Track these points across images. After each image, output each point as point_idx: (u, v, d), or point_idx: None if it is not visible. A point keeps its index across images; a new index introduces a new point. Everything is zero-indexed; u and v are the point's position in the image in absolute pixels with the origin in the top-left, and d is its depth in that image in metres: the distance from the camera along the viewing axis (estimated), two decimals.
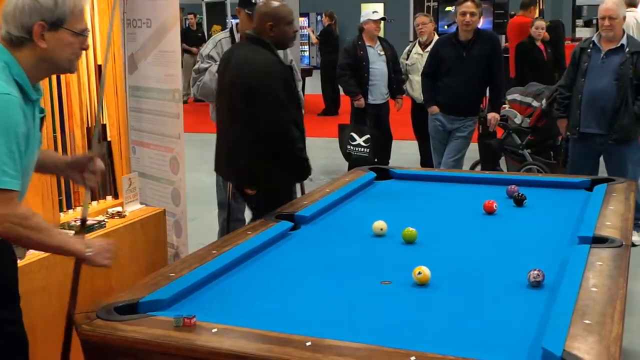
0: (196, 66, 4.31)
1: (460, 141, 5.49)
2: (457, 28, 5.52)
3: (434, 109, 5.54)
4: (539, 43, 7.55)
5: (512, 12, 10.58)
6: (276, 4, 3.48)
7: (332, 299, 2.20)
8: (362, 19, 6.83)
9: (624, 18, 4.81)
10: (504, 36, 9.84)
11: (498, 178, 3.76)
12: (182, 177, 3.76)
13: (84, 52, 2.17)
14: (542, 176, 4.19)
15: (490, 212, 3.10)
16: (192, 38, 13.04)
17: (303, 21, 18.68)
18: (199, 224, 5.30)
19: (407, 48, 7.23)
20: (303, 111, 3.95)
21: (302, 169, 3.41)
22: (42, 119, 2.21)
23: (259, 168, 3.35)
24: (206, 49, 4.33)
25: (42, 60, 2.05)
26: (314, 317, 2.05)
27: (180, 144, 3.74)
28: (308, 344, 1.77)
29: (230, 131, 3.48)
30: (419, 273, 2.24)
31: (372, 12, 6.83)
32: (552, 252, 2.56)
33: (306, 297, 2.22)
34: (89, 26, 2.20)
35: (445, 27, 9.81)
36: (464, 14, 5.32)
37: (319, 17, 22.41)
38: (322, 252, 2.66)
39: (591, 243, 2.53)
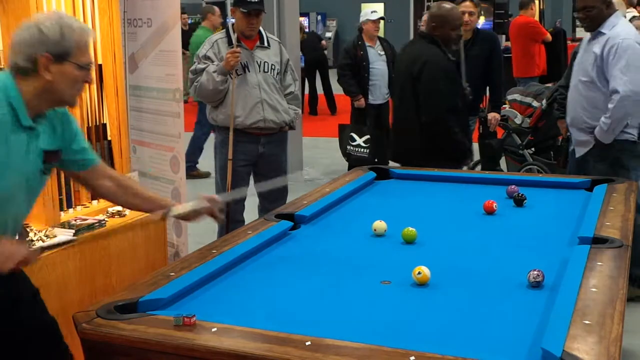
0: (193, 67, 4.29)
1: None
2: None
3: None
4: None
5: (511, 14, 10.59)
6: (447, 7, 4.12)
7: (332, 298, 2.20)
8: (361, 19, 6.83)
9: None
10: (504, 36, 9.86)
11: (498, 178, 3.76)
12: (183, 177, 3.77)
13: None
14: (543, 176, 4.19)
15: (490, 212, 3.10)
16: (185, 38, 13.00)
17: (304, 21, 18.69)
18: (199, 223, 5.29)
19: None
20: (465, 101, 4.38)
21: (459, 153, 3.97)
22: (51, 153, 2.19)
23: (424, 151, 3.94)
24: (203, 49, 4.31)
25: (45, 92, 2.08)
26: (314, 316, 2.05)
27: (180, 144, 3.74)
28: (308, 343, 1.77)
29: (400, 116, 4.22)
30: (419, 273, 2.24)
31: (371, 12, 6.84)
32: (552, 253, 2.56)
33: (306, 296, 2.22)
34: (92, 59, 2.20)
35: None
36: (462, 13, 5.34)
37: (319, 17, 22.45)
38: (322, 251, 2.66)
39: (591, 243, 2.53)
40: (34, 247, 2.27)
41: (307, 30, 14.47)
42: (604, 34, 4.18)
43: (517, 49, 8.76)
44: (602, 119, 4.14)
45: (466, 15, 5.32)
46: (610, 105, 4.08)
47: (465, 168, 4.68)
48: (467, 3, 5.39)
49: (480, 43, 5.41)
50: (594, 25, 4.22)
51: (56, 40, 2.04)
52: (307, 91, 12.26)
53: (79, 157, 2.34)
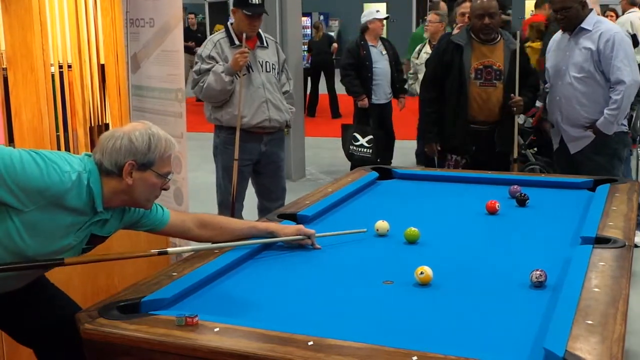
0: (196, 67, 4.28)
1: None
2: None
3: None
4: None
5: (509, 12, 10.57)
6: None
7: (334, 298, 2.20)
8: (365, 19, 6.83)
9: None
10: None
11: (500, 178, 3.76)
12: (185, 177, 3.77)
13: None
14: (545, 176, 4.18)
15: (492, 212, 3.10)
16: (191, 38, 12.99)
17: (306, 21, 18.68)
18: None
19: (418, 47, 7.24)
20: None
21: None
22: (98, 237, 2.29)
23: None
24: (205, 49, 4.30)
25: (123, 193, 2.21)
26: (316, 316, 2.05)
27: (182, 144, 3.74)
28: (310, 343, 1.77)
29: None
30: (421, 273, 2.24)
31: (376, 11, 6.84)
32: (554, 253, 2.56)
33: (308, 296, 2.22)
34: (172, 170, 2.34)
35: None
36: (462, 14, 5.39)
37: (321, 17, 22.45)
38: (324, 251, 2.66)
39: (594, 243, 2.53)
40: None
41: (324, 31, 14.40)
42: (588, 30, 4.32)
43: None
44: (607, 111, 4.26)
45: (466, 16, 5.32)
46: (616, 97, 4.22)
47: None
48: (467, 4, 5.40)
49: None
50: (572, 24, 4.36)
51: (143, 151, 2.17)
52: (308, 91, 12.26)
53: (151, 224, 2.44)
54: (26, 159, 2.03)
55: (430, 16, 7.14)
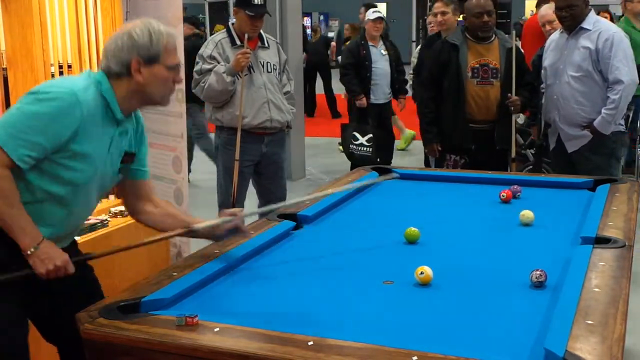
0: (197, 67, 4.28)
1: None
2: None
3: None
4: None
5: (506, 11, 10.59)
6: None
7: (334, 298, 2.20)
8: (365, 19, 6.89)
9: None
10: (507, 36, 9.83)
11: (500, 178, 3.76)
12: (185, 177, 3.77)
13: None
14: (545, 176, 4.18)
15: (507, 200, 3.24)
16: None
17: (306, 21, 18.69)
18: None
19: (419, 47, 7.25)
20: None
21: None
22: (129, 154, 2.33)
23: None
24: (207, 49, 4.30)
25: (136, 92, 2.22)
26: (316, 316, 2.05)
27: (182, 144, 3.74)
28: (310, 343, 1.77)
29: None
30: (421, 273, 2.24)
31: (372, 12, 6.88)
32: (554, 253, 2.56)
33: (308, 296, 2.22)
34: (180, 60, 2.34)
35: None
36: (435, 15, 5.45)
37: (321, 17, 22.45)
38: (324, 251, 2.66)
39: (594, 243, 2.53)
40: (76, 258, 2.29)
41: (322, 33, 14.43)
42: (588, 29, 4.33)
43: (530, 47, 8.73)
44: (605, 110, 4.27)
45: (438, 15, 5.42)
46: (614, 96, 4.23)
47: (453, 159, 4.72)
48: (437, 4, 5.46)
49: None
50: (575, 23, 4.35)
51: (146, 45, 2.18)
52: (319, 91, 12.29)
53: (137, 166, 2.42)
54: (37, 125, 2.07)
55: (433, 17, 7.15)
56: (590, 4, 4.44)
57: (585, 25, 4.33)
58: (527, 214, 2.90)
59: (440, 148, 4.76)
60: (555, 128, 4.55)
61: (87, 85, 2.17)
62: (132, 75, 2.19)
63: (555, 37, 4.60)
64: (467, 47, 4.61)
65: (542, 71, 4.69)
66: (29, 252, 2.12)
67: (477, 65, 4.58)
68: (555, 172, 4.59)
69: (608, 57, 4.24)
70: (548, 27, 4.92)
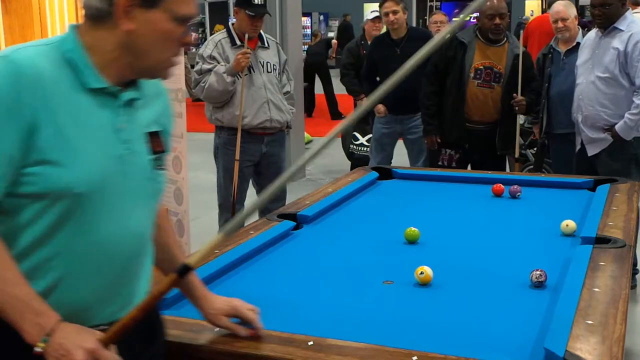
0: (197, 67, 4.28)
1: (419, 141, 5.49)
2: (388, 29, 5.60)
3: (380, 107, 5.52)
4: None
5: (503, 12, 10.61)
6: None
7: (334, 298, 2.20)
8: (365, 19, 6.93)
9: (576, 17, 4.92)
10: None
11: (501, 178, 3.76)
12: (185, 177, 3.77)
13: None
14: (545, 176, 4.18)
15: (498, 194, 3.29)
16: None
17: (306, 21, 18.69)
18: (200, 223, 5.31)
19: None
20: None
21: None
22: (154, 135, 1.58)
23: None
24: (207, 49, 4.30)
25: (123, 49, 1.46)
26: (316, 316, 2.05)
27: (182, 144, 3.74)
28: (310, 343, 1.77)
29: None
30: (421, 273, 2.24)
31: (371, 12, 6.90)
32: (554, 253, 2.56)
33: (308, 296, 2.22)
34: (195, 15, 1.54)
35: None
36: (386, 14, 5.46)
37: (321, 17, 22.44)
38: (324, 251, 2.66)
39: (594, 243, 2.53)
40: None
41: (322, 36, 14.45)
42: (621, 30, 4.23)
43: (536, 48, 8.72)
44: (628, 115, 4.18)
45: (390, 15, 5.42)
46: (639, 101, 4.11)
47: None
48: (387, 3, 5.46)
49: (414, 41, 5.42)
50: (609, 22, 4.26)
51: None
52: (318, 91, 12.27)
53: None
54: None
55: (438, 16, 7.16)
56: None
57: (619, 25, 4.23)
58: (569, 224, 2.77)
59: (439, 140, 4.78)
60: (579, 130, 4.49)
61: (37, 50, 1.44)
62: (117, 19, 1.43)
63: (592, 35, 4.51)
64: (476, 47, 4.61)
65: (575, 69, 4.61)
66: (38, 349, 1.37)
67: (482, 67, 4.58)
68: (579, 174, 4.53)
69: (637, 60, 4.12)
70: (560, 24, 4.83)
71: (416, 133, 5.43)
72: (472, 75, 4.56)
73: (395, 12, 5.43)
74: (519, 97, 4.58)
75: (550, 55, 4.95)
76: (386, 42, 5.56)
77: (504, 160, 4.83)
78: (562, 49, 4.89)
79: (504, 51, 4.63)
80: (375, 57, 5.53)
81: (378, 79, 5.64)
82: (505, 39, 4.68)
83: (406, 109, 5.42)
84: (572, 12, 4.90)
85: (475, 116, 4.63)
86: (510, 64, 4.61)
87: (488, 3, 4.55)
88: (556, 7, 4.94)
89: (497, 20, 4.54)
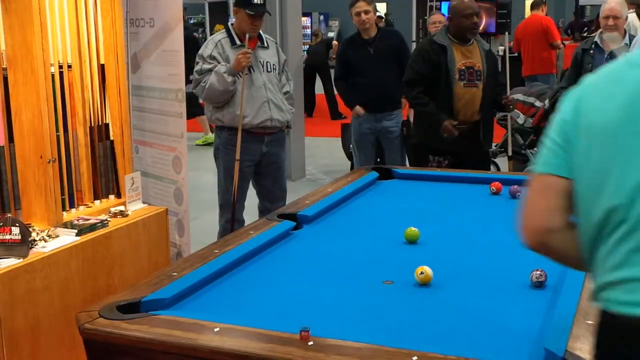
0: (197, 67, 4.28)
1: (398, 139, 5.49)
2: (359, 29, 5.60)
3: (358, 109, 5.51)
4: None
5: (506, 11, 10.59)
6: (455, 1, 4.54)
7: (334, 298, 2.20)
8: None
9: (627, 18, 4.82)
10: (507, 35, 9.84)
11: (501, 178, 3.76)
12: (185, 177, 3.77)
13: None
14: None
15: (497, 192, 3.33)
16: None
17: (306, 21, 18.69)
18: (200, 223, 5.31)
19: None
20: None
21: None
22: None
23: None
24: (207, 49, 4.29)
25: None
26: (316, 316, 2.04)
27: (182, 144, 3.74)
28: (310, 343, 1.77)
29: None
30: (421, 273, 2.24)
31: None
32: None
33: (308, 296, 2.22)
34: None
35: None
36: (358, 14, 5.45)
37: (321, 17, 22.44)
38: (324, 251, 2.66)
39: None
40: None
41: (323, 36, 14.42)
42: None
43: (531, 47, 8.72)
44: None
45: (362, 14, 5.40)
46: None
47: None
48: (359, 3, 5.46)
49: (385, 40, 5.45)
50: None
51: None
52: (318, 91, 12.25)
53: None
54: None
55: (436, 17, 7.15)
56: None
57: None
58: None
59: (455, 122, 4.58)
60: None
61: None
62: None
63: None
64: (453, 48, 4.62)
65: None
66: None
67: (464, 68, 4.59)
68: None
69: None
70: (611, 22, 4.72)
71: (394, 132, 5.49)
72: (457, 77, 4.57)
73: (367, 12, 5.44)
74: (510, 96, 4.65)
75: (591, 52, 4.86)
76: (358, 42, 5.56)
77: (488, 155, 4.88)
78: (607, 47, 4.79)
79: (476, 49, 4.66)
80: (349, 58, 5.54)
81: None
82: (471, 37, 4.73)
83: (384, 107, 5.45)
84: (625, 12, 4.78)
85: (463, 117, 4.62)
86: (484, 61, 4.65)
87: (464, 2, 4.56)
88: (610, 3, 4.83)
89: (475, 19, 4.56)
